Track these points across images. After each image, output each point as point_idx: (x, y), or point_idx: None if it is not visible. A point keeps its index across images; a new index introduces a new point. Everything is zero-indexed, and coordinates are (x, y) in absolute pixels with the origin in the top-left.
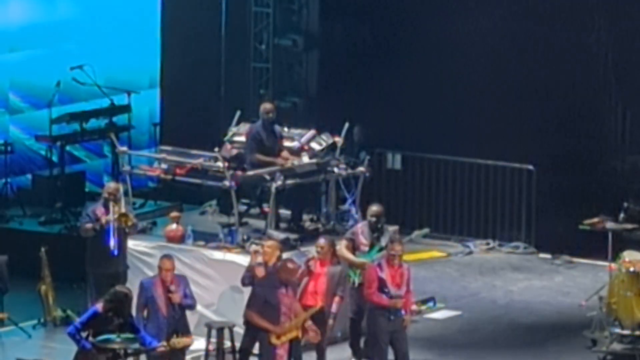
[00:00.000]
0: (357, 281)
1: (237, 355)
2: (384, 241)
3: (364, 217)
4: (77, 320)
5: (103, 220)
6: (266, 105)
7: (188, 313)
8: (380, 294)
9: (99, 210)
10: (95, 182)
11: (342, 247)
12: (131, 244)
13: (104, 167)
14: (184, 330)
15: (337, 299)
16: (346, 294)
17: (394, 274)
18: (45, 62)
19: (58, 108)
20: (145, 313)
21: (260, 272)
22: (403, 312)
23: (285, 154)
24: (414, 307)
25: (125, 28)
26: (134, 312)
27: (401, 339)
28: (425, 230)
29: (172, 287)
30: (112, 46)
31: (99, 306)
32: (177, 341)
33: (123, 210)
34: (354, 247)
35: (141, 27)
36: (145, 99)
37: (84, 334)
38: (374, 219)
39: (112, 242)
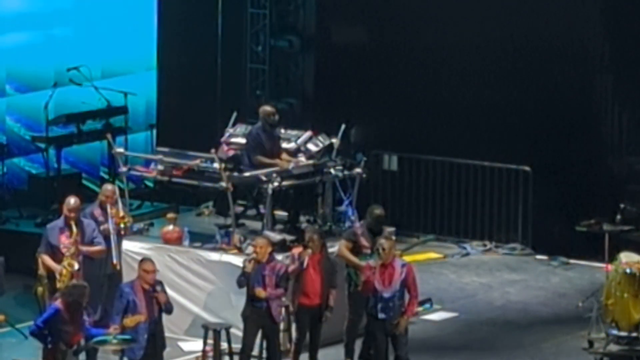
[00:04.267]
0: (357, 283)
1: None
2: None
3: (361, 218)
4: (39, 319)
5: (103, 227)
6: (267, 108)
7: (183, 313)
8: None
9: (97, 211)
10: (92, 175)
11: (342, 246)
12: (128, 245)
13: (100, 160)
14: (161, 335)
15: (333, 291)
16: (338, 286)
17: (383, 271)
18: (41, 50)
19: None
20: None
21: (249, 267)
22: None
23: (285, 156)
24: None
25: (122, 28)
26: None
27: (401, 343)
28: (430, 237)
29: (158, 288)
30: (108, 45)
31: (58, 303)
32: (129, 320)
33: (121, 213)
34: (354, 248)
35: (137, 28)
36: (141, 100)
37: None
38: (375, 222)
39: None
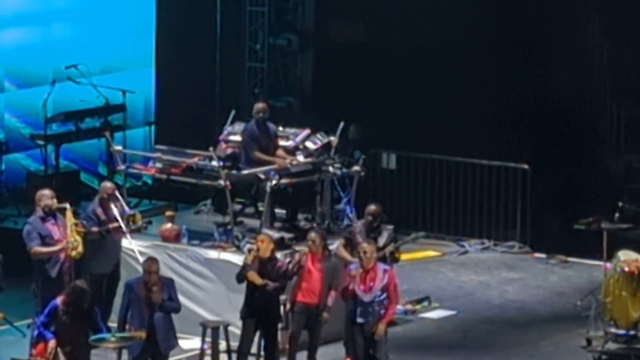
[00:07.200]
0: None
1: (236, 356)
2: (381, 241)
3: (359, 216)
4: (39, 320)
5: (110, 226)
6: (258, 105)
7: (181, 311)
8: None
9: (98, 210)
10: (90, 171)
11: (339, 246)
12: (126, 243)
13: (98, 155)
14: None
15: (332, 292)
16: (340, 288)
17: (364, 276)
18: (39, 47)
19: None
20: (129, 313)
21: (250, 258)
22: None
23: (280, 152)
24: (402, 307)
25: (120, 27)
26: (116, 310)
27: (379, 346)
28: (422, 234)
29: (155, 288)
30: (106, 42)
31: (59, 300)
32: (132, 334)
33: (129, 211)
34: (351, 247)
35: (136, 26)
36: (140, 97)
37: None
38: (370, 218)
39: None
